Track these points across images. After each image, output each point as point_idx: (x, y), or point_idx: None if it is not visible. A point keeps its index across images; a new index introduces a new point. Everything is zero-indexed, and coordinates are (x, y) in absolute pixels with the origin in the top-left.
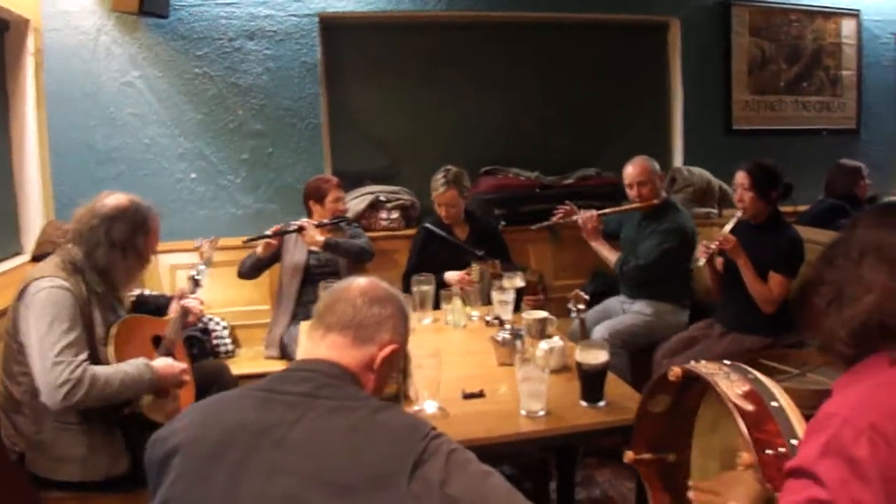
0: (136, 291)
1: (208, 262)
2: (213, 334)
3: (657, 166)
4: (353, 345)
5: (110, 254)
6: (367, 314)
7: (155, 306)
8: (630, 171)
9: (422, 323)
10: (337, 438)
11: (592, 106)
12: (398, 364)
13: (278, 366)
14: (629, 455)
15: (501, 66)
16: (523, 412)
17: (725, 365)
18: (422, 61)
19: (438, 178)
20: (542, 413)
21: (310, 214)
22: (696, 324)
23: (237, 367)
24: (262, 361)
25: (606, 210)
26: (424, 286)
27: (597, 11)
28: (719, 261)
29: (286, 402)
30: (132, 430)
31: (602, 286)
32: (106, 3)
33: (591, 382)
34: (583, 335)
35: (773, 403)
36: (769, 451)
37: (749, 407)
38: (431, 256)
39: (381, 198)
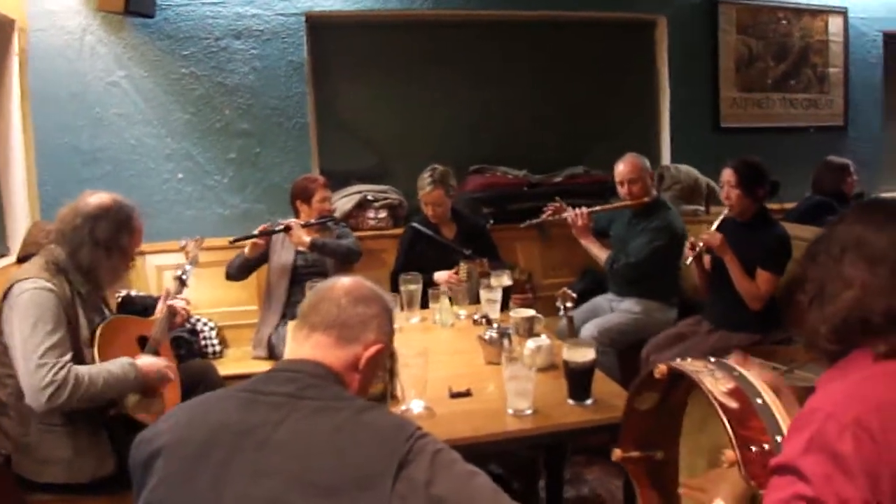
0: (123, 292)
1: (194, 262)
2: (201, 335)
3: (648, 164)
4: (337, 344)
5: (94, 253)
6: (352, 314)
7: (142, 307)
8: (621, 168)
9: (409, 322)
10: (321, 439)
11: (580, 104)
12: (384, 363)
13: (266, 366)
14: (617, 453)
15: (489, 65)
16: (510, 411)
17: (711, 362)
18: (408, 60)
19: (424, 178)
20: (528, 412)
21: (297, 214)
22: (684, 320)
23: (225, 368)
24: (250, 362)
25: (597, 207)
26: (412, 285)
27: (584, 9)
28: (707, 258)
29: (270, 402)
30: (118, 431)
31: (591, 284)
32: (91, 2)
33: (579, 381)
34: (570, 333)
35: (758, 400)
36: (754, 448)
37: (733, 404)
38: (419, 256)
39: (369, 197)
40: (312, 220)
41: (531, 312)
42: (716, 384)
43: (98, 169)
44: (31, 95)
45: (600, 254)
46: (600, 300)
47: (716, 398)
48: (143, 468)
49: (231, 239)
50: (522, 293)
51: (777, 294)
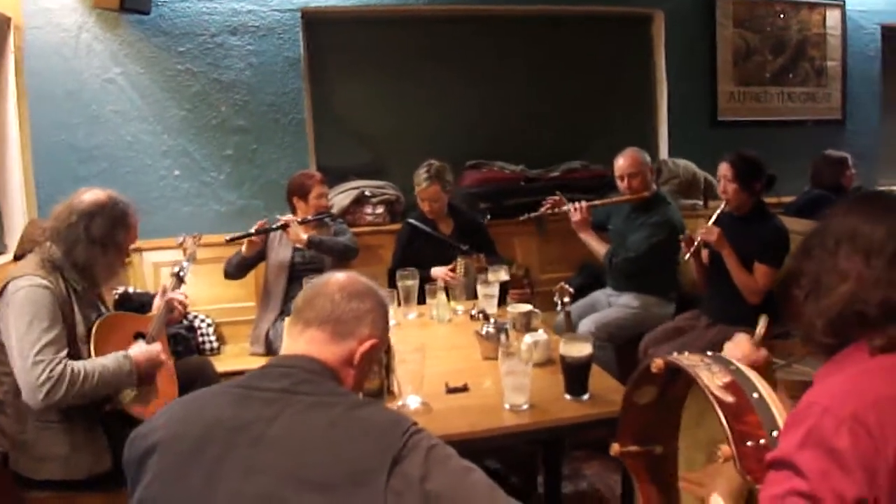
0: (120, 289)
1: (192, 259)
2: (199, 331)
3: (648, 158)
4: (331, 340)
5: (90, 250)
6: (346, 309)
7: (139, 304)
8: (621, 162)
9: (407, 318)
10: (316, 435)
11: (578, 99)
12: (378, 359)
13: (263, 362)
14: (615, 447)
15: (485, 60)
16: (507, 406)
17: (707, 356)
18: (405, 55)
19: (421, 173)
20: (525, 407)
21: (294, 211)
22: (682, 315)
23: (222, 364)
24: (248, 358)
25: (596, 201)
26: (409, 281)
27: (581, 4)
28: (705, 253)
29: (264, 398)
30: (114, 427)
31: (589, 279)
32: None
33: (575, 375)
34: (568, 328)
35: (755, 394)
36: (750, 443)
37: (729, 398)
38: (416, 252)
39: (367, 193)
40: (309, 217)
41: (528, 307)
42: (712, 378)
43: (94, 166)
44: (27, 93)
45: (599, 248)
46: (598, 295)
47: (712, 392)
48: (138, 464)
49: (227, 237)
50: (520, 288)
51: (774, 288)
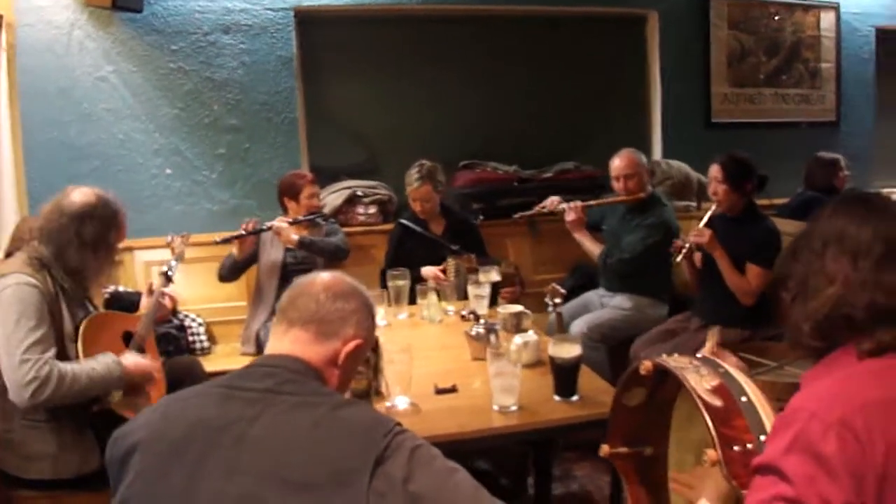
0: (111, 288)
1: (179, 258)
2: (189, 331)
3: (644, 159)
4: (316, 340)
5: (82, 252)
6: (331, 309)
7: (129, 303)
8: (617, 163)
9: (397, 318)
10: (299, 434)
11: (571, 99)
12: (364, 359)
13: None
14: (604, 449)
15: (479, 60)
16: (496, 407)
17: (696, 359)
18: (398, 55)
19: (412, 174)
20: (514, 408)
21: (285, 211)
22: (674, 317)
23: (213, 364)
24: (238, 358)
25: (591, 201)
26: (400, 281)
27: (575, 5)
28: (697, 255)
29: (246, 398)
30: (102, 427)
31: (582, 280)
32: None
33: (565, 377)
34: (559, 329)
35: (743, 398)
36: (736, 448)
37: (717, 402)
38: (408, 252)
39: (359, 193)
40: (301, 217)
41: (519, 308)
42: (700, 381)
43: (86, 164)
44: (18, 91)
45: (593, 248)
46: (591, 296)
47: (699, 395)
48: (120, 464)
49: (217, 238)
50: (510, 286)
51: (766, 290)
